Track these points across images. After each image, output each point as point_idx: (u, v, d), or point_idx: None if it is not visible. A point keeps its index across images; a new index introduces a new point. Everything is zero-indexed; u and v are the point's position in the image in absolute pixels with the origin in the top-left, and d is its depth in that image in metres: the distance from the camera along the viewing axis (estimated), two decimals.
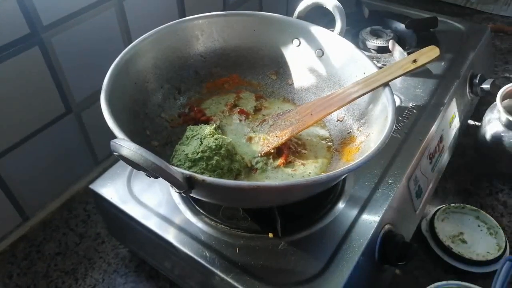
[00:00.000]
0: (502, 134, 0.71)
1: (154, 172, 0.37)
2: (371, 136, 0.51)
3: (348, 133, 0.58)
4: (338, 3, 0.60)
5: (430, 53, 0.52)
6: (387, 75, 0.53)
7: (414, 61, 0.53)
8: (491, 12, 1.26)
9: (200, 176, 0.38)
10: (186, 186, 0.39)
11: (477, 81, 0.79)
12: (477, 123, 0.87)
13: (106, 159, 0.79)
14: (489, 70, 0.93)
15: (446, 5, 1.29)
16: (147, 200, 0.56)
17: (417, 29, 0.86)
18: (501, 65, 1.05)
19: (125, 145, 0.37)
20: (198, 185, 0.39)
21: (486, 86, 0.78)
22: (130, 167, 0.49)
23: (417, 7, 0.98)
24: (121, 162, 0.55)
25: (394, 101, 0.50)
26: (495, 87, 0.77)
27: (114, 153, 0.39)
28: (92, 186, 0.58)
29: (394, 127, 0.46)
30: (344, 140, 0.58)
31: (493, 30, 1.13)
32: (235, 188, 0.39)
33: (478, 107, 0.88)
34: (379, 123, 0.50)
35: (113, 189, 0.58)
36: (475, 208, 0.69)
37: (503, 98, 0.72)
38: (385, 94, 0.51)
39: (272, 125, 0.58)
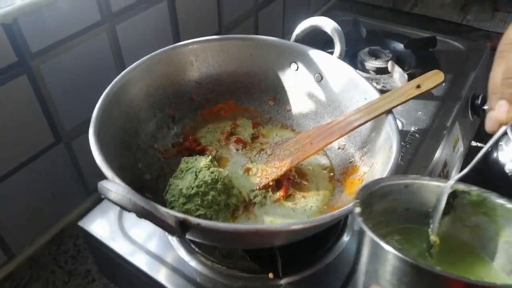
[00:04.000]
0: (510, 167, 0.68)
1: (144, 217, 0.34)
2: (375, 167, 0.49)
3: (350, 162, 0.55)
4: (337, 26, 0.58)
5: (434, 77, 0.50)
6: (390, 102, 0.50)
7: (418, 86, 0.51)
8: (488, 29, 1.25)
9: (194, 220, 0.35)
10: (179, 230, 0.36)
11: (479, 102, 0.77)
12: (479, 144, 0.84)
13: (96, 191, 0.76)
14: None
15: (442, 23, 1.28)
16: (138, 237, 0.53)
17: (416, 49, 0.84)
18: None
19: (112, 189, 0.34)
20: (193, 229, 0.36)
21: (487, 107, 0.76)
22: None
23: (414, 26, 0.97)
24: None
25: (398, 130, 0.48)
26: None
27: (102, 196, 0.36)
28: (80, 223, 0.55)
29: (400, 158, 0.44)
30: (346, 170, 0.55)
31: (491, 49, 1.12)
32: (232, 233, 0.36)
33: (480, 128, 0.85)
34: (383, 153, 0.48)
35: (102, 225, 0.55)
36: None
37: None
38: (388, 122, 0.49)
39: (270, 155, 0.55)
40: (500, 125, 0.37)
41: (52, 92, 0.62)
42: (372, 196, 0.36)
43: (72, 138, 0.67)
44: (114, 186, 0.34)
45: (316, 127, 0.54)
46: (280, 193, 0.52)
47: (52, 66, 0.60)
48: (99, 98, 0.48)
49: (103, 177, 0.40)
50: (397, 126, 0.48)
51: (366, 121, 0.51)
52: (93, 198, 0.75)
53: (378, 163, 0.48)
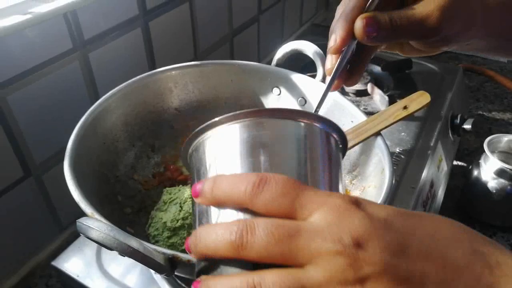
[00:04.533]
0: (492, 185, 0.68)
1: (130, 257, 0.31)
2: (367, 191, 0.47)
3: None
4: (318, 49, 0.58)
5: (420, 99, 0.50)
6: (377, 124, 0.49)
7: (405, 107, 0.50)
8: (455, 51, 1.29)
9: (184, 256, 0.33)
10: (168, 268, 0.33)
11: (458, 121, 0.78)
12: (459, 163, 0.85)
13: (71, 225, 0.71)
14: (465, 109, 0.93)
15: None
16: (119, 274, 0.50)
17: (393, 71, 0.85)
18: (473, 102, 1.05)
19: (94, 226, 0.31)
20: (182, 266, 0.33)
21: (467, 126, 0.77)
22: None
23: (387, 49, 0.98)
24: None
25: (389, 152, 0.46)
26: (476, 127, 0.76)
27: (82, 235, 0.33)
28: (54, 263, 0.51)
29: (394, 181, 0.43)
30: None
31: (464, 69, 1.15)
32: None
33: (460, 147, 0.86)
34: (375, 176, 0.47)
35: (79, 264, 0.51)
36: None
37: (490, 146, 0.69)
38: (378, 144, 0.48)
39: None
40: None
41: (21, 123, 0.58)
42: None
43: (43, 171, 0.63)
44: (95, 223, 0.31)
45: None
46: None
47: (20, 96, 0.57)
48: (71, 129, 0.45)
49: (77, 211, 0.37)
50: (388, 148, 0.47)
51: (354, 145, 0.49)
52: (66, 235, 0.70)
53: (370, 186, 0.47)
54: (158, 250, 0.32)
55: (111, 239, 0.30)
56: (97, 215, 0.35)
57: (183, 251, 0.43)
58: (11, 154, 0.58)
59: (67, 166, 0.41)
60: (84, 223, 0.31)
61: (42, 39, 0.58)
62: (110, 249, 0.31)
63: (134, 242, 0.31)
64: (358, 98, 0.79)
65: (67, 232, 0.71)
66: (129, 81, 0.54)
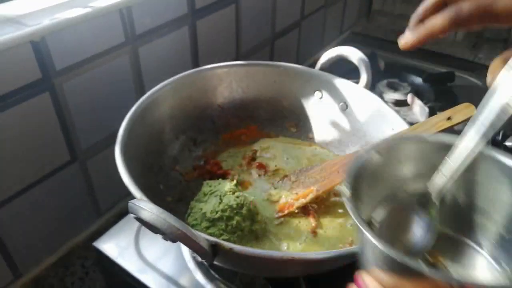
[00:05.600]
0: None
1: (177, 239, 0.32)
2: None
3: None
4: (363, 56, 0.58)
5: (465, 111, 0.50)
6: (420, 133, 0.49)
7: (449, 118, 0.50)
8: None
9: (227, 244, 0.34)
10: (210, 254, 0.34)
11: (499, 138, 0.76)
12: None
13: (108, 211, 0.74)
14: (508, 126, 0.91)
15: (454, 60, 1.29)
16: (154, 259, 0.51)
17: (435, 83, 0.84)
18: None
19: (146, 208, 0.32)
20: (223, 254, 0.35)
21: (510, 143, 0.76)
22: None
23: (429, 61, 0.97)
24: (128, 217, 0.51)
25: None
26: None
27: (132, 215, 0.34)
28: (95, 244, 0.53)
29: None
30: None
31: None
32: (267, 259, 0.34)
33: None
34: None
35: (118, 247, 0.53)
36: None
37: None
38: None
39: (294, 182, 0.54)
40: None
41: (72, 110, 0.61)
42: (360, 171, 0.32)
43: (88, 157, 0.66)
44: (147, 205, 0.33)
45: (344, 156, 0.53)
46: (312, 223, 0.50)
47: (74, 85, 0.60)
48: (116, 119, 0.47)
49: (115, 199, 0.39)
50: None
51: None
52: (104, 219, 0.73)
53: None
54: (203, 236, 0.34)
55: (162, 221, 0.32)
56: (145, 199, 0.37)
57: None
58: (61, 138, 0.61)
59: (118, 152, 0.43)
60: (137, 204, 0.33)
61: (98, 31, 0.60)
62: (158, 230, 0.33)
63: (182, 226, 0.32)
64: (397, 108, 0.78)
65: (104, 217, 0.73)
66: (178, 76, 0.57)
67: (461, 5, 0.35)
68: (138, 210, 0.33)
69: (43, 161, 0.60)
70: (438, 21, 0.36)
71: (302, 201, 0.51)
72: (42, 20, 0.53)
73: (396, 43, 0.40)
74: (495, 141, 0.77)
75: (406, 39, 0.39)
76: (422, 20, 0.38)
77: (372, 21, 1.38)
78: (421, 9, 0.38)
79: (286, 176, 0.55)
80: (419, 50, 1.27)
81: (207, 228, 0.46)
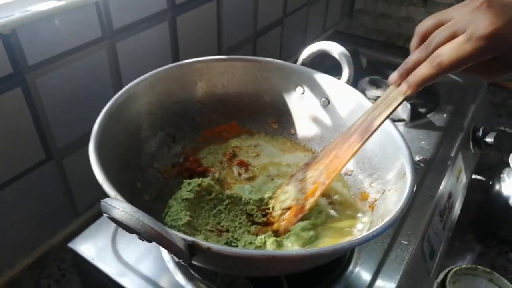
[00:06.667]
0: None
1: (152, 239, 0.31)
2: (387, 195, 0.47)
3: (359, 188, 0.53)
4: (345, 51, 0.58)
5: None
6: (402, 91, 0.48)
7: None
8: None
9: (205, 244, 0.33)
10: (188, 254, 0.33)
11: (480, 134, 0.77)
12: (478, 177, 0.84)
13: (86, 211, 0.72)
14: (487, 123, 0.92)
15: None
16: (132, 260, 0.50)
17: None
18: (495, 118, 1.04)
19: (119, 207, 0.31)
20: (201, 253, 0.34)
21: (489, 139, 0.76)
22: None
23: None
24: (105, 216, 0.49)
25: (412, 157, 0.46)
26: (498, 141, 0.75)
27: (105, 215, 0.33)
28: (71, 245, 0.51)
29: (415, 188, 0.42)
30: (354, 197, 0.53)
31: (489, 84, 1.14)
32: (246, 258, 0.33)
33: (480, 161, 0.85)
34: (396, 180, 0.46)
35: (95, 248, 0.51)
36: (488, 270, 0.64)
37: None
38: (401, 149, 0.48)
39: (302, 180, 0.50)
40: None
41: (46, 107, 0.59)
42: None
43: (64, 156, 0.64)
44: (120, 204, 0.31)
45: (337, 138, 0.49)
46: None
47: (48, 80, 0.57)
48: (93, 116, 0.45)
49: (92, 198, 0.38)
50: (411, 153, 0.47)
51: (388, 115, 0.47)
52: (82, 220, 0.71)
53: (390, 190, 0.47)
54: (179, 236, 0.32)
55: (135, 220, 0.30)
56: (120, 198, 0.36)
57: None
58: (35, 136, 0.59)
59: (92, 149, 0.41)
60: (109, 203, 0.32)
61: (73, 26, 0.58)
62: (132, 230, 0.32)
63: (157, 225, 0.31)
64: None
65: (82, 218, 0.71)
66: (155, 70, 0.55)
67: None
68: (111, 209, 0.31)
69: (16, 160, 0.58)
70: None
71: (311, 200, 0.47)
72: (13, 12, 0.51)
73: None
74: (475, 136, 0.77)
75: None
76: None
77: (354, 19, 1.38)
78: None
79: (292, 176, 0.52)
80: (398, 49, 1.28)
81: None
